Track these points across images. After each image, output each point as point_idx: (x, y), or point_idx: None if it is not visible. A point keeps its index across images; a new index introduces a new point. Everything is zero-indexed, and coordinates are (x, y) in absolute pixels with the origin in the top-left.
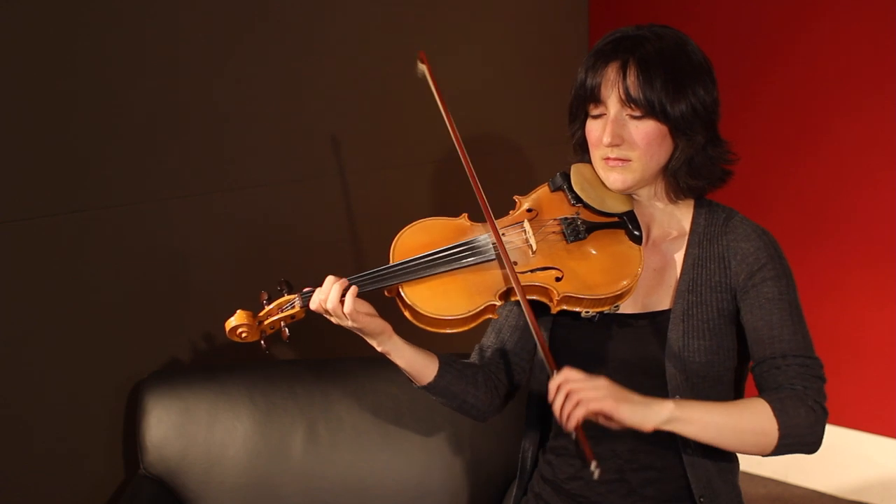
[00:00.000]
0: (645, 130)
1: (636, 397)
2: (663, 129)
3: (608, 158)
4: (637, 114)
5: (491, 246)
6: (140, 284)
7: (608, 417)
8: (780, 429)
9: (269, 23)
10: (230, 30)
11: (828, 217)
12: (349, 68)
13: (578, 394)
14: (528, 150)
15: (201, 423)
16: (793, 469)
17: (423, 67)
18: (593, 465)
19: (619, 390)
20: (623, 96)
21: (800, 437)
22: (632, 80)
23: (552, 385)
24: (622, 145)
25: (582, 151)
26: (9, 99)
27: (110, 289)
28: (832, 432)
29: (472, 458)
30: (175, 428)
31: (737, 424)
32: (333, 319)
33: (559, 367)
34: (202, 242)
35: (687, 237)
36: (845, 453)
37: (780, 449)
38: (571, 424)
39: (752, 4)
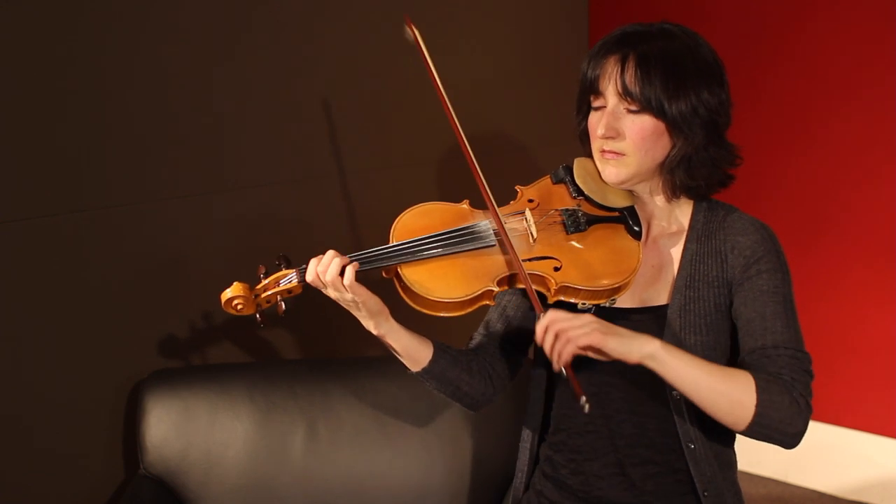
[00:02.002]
0: (640, 125)
1: (623, 330)
2: (660, 125)
3: (604, 151)
4: (634, 108)
5: (491, 232)
6: (140, 284)
7: (597, 350)
8: (757, 405)
9: (268, 22)
10: (229, 30)
11: (828, 216)
12: (349, 68)
13: (567, 332)
14: (528, 150)
15: (201, 423)
16: (793, 469)
17: (410, 31)
18: (583, 399)
19: (605, 324)
20: (620, 89)
21: (777, 422)
22: (629, 74)
23: (539, 326)
24: (617, 138)
25: (587, 142)
26: (8, 99)
27: (110, 289)
28: (832, 432)
29: (472, 458)
30: (175, 428)
31: (716, 385)
32: (330, 293)
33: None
34: (202, 242)
35: (686, 234)
36: (845, 453)
37: (755, 428)
38: (562, 361)
39: (753, 4)
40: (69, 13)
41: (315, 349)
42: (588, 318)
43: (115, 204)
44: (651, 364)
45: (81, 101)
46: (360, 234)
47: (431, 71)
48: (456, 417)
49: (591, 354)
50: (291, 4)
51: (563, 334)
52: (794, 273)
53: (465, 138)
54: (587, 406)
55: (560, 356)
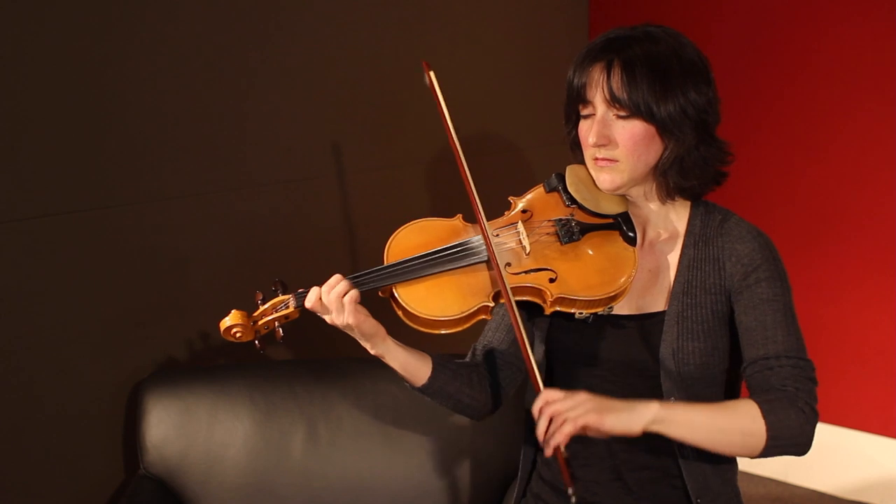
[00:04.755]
0: (631, 131)
1: (619, 404)
2: (650, 129)
3: (597, 159)
4: (623, 114)
5: (484, 247)
6: (139, 284)
7: (595, 430)
8: (768, 430)
9: (268, 23)
10: (230, 30)
11: (830, 219)
12: (348, 68)
13: (562, 415)
14: (527, 151)
15: (201, 423)
16: (793, 469)
17: (428, 77)
18: (570, 491)
19: (600, 401)
20: (607, 96)
21: (789, 438)
22: (616, 80)
23: (534, 410)
24: (609, 145)
25: (578, 150)
26: (9, 99)
27: (110, 289)
28: (832, 432)
29: (472, 458)
30: (175, 428)
31: (724, 425)
32: (328, 318)
33: (544, 387)
34: (202, 242)
35: (682, 239)
36: (845, 453)
37: (770, 450)
38: (552, 448)
39: (754, 6)
40: (69, 13)
41: (315, 349)
42: (582, 397)
43: (115, 204)
44: (656, 428)
45: (81, 101)
46: (359, 235)
47: (445, 117)
48: (455, 418)
49: (590, 434)
50: (291, 6)
51: (558, 417)
52: (795, 276)
53: (468, 172)
54: (574, 498)
55: (551, 441)
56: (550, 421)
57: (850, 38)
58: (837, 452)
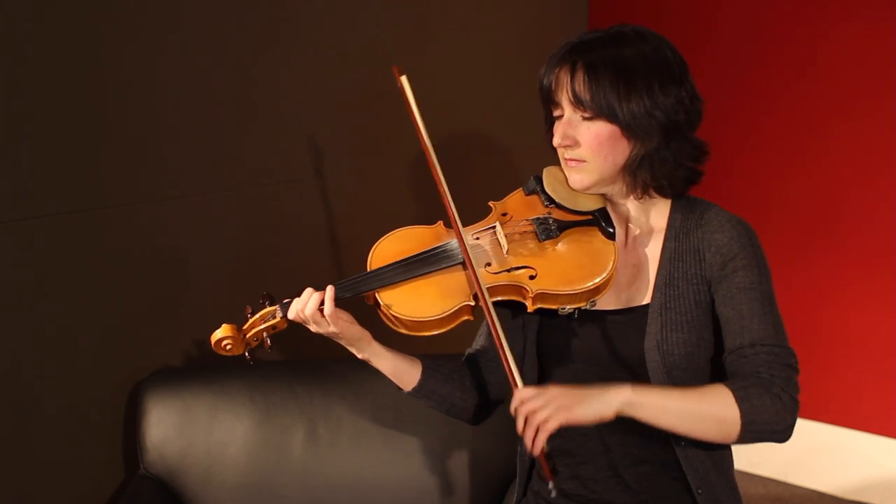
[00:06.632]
0: (595, 131)
1: (590, 391)
2: (615, 129)
3: (566, 159)
4: (587, 115)
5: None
6: (139, 284)
7: (569, 424)
8: (742, 416)
9: (267, 25)
10: (229, 31)
11: (829, 220)
12: (348, 69)
13: (534, 417)
14: (523, 151)
15: (201, 423)
16: (793, 469)
17: (399, 82)
18: (550, 485)
19: (570, 394)
20: (571, 98)
21: (765, 424)
22: (578, 82)
23: (511, 410)
24: (575, 146)
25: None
26: (8, 99)
27: (110, 289)
28: (832, 432)
29: (472, 458)
30: (175, 428)
31: (696, 410)
32: (312, 327)
33: (523, 384)
34: (201, 243)
35: (664, 232)
36: (845, 453)
37: (746, 436)
38: (536, 451)
39: (754, 7)
40: (68, 13)
41: (315, 349)
42: (552, 393)
43: (115, 204)
44: (629, 411)
45: (81, 101)
46: (357, 234)
47: (416, 121)
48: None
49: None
50: (291, 7)
51: (532, 417)
52: (795, 276)
53: (441, 175)
54: (554, 492)
55: (534, 444)
56: (526, 420)
57: (849, 39)
58: (837, 452)
